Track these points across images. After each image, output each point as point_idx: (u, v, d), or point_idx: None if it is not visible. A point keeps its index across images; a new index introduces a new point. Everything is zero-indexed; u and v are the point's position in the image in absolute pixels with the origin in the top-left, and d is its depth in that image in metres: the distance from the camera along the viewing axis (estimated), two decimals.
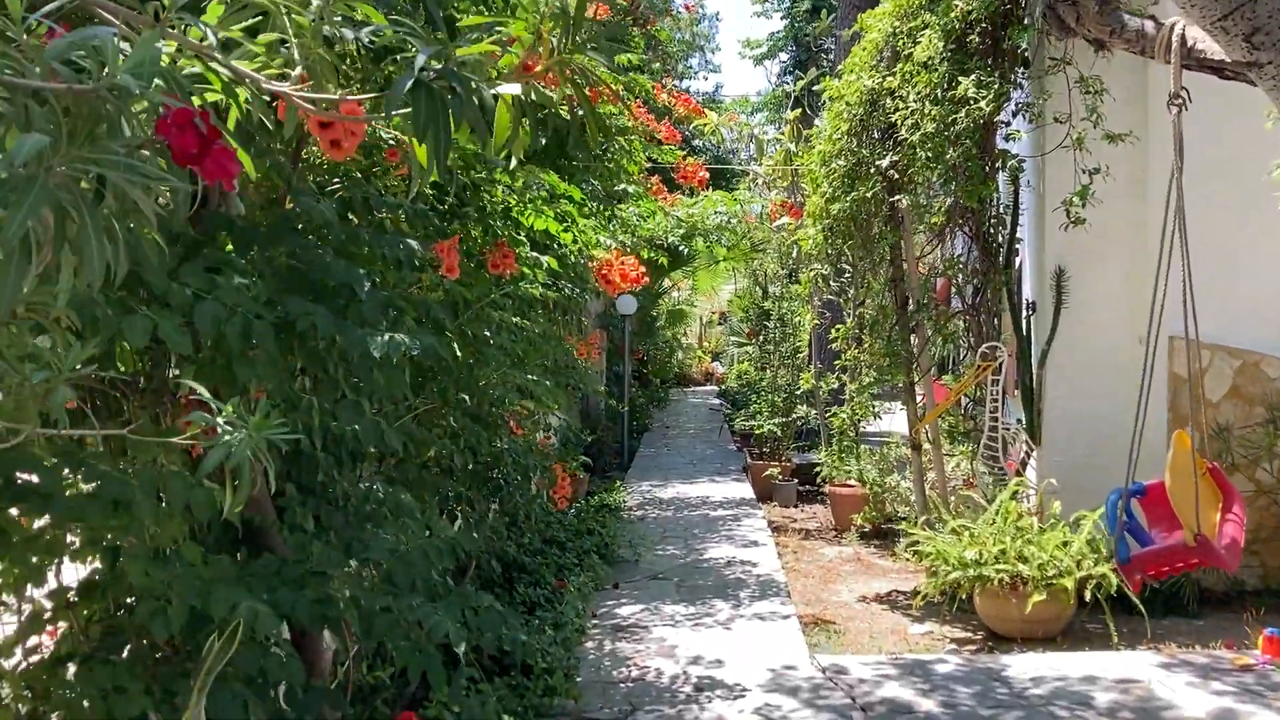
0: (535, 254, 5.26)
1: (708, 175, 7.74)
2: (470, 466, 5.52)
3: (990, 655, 5.41)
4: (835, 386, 10.42)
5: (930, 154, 6.33)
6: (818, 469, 9.59)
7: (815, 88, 8.67)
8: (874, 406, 8.04)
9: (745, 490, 10.77)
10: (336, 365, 3.16)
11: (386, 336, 2.89)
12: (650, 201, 7.32)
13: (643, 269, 5.03)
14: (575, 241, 5.33)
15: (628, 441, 12.93)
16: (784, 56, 23.05)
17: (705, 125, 10.07)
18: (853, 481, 8.97)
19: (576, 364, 8.55)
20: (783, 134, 9.54)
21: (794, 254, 9.27)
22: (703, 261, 19.78)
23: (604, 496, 9.51)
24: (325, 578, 2.92)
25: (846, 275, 8.11)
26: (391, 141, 3.90)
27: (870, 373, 7.51)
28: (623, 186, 6.65)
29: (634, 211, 8.72)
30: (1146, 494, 4.23)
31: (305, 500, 3.50)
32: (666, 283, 20.25)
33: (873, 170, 6.87)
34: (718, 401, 20.39)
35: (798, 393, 10.88)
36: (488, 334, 5.03)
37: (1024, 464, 6.85)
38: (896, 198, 6.76)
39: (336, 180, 4.15)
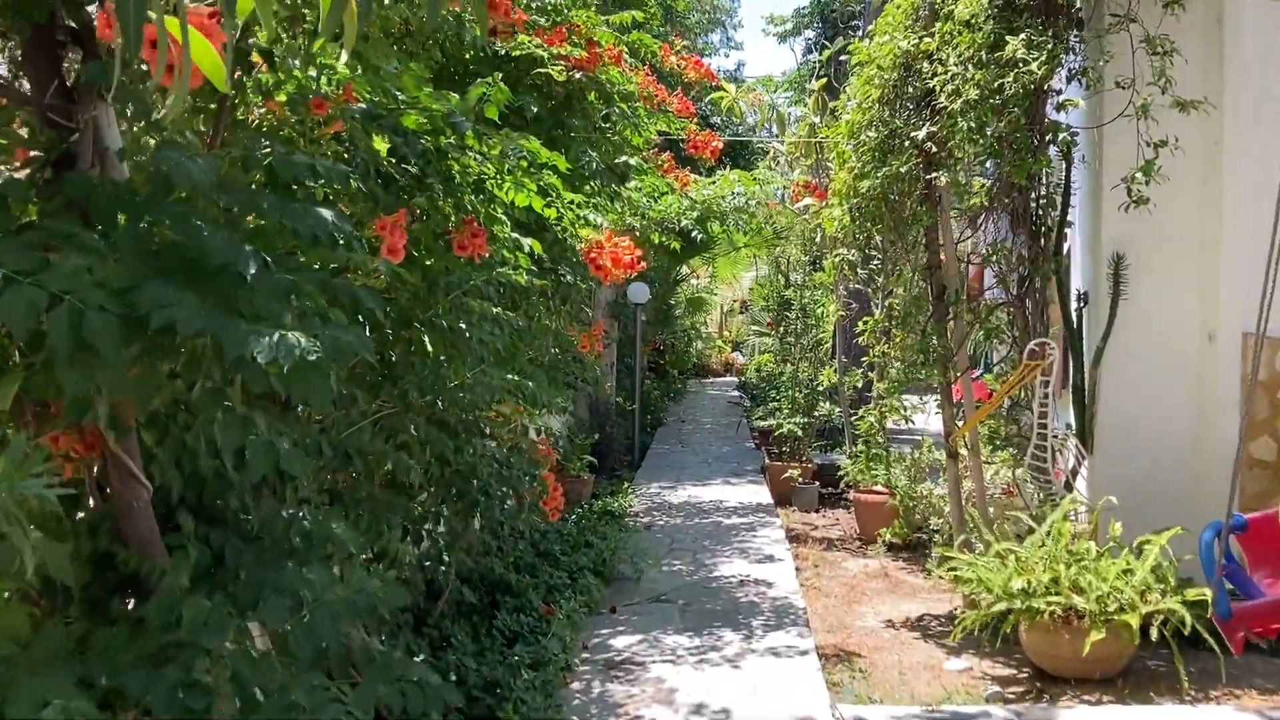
0: (517, 235, 4.55)
1: (721, 145, 6.97)
2: (443, 477, 4.84)
3: (1043, 707, 4.66)
4: (860, 383, 9.68)
5: (973, 124, 5.56)
6: (841, 472, 8.85)
7: (843, 57, 7.91)
8: (904, 407, 7.27)
9: (762, 494, 10.04)
10: (223, 371, 2.47)
11: (276, 335, 2.18)
12: (655, 177, 6.58)
13: (639, 252, 4.31)
14: (560, 219, 4.61)
15: (639, 438, 12.23)
16: (810, 34, 22.14)
17: (722, 99, 9.32)
18: (880, 488, 8.23)
19: (580, 358, 7.88)
20: (806, 107, 8.75)
21: (818, 238, 8.50)
22: (722, 248, 19.05)
23: (609, 501, 8.80)
24: (196, 651, 2.23)
25: (875, 262, 7.34)
26: (318, 89, 3.19)
27: (901, 369, 6.74)
28: (625, 159, 5.92)
29: (638, 189, 8.00)
30: (1248, 529, 3.47)
31: (208, 535, 2.81)
32: (685, 270, 19.52)
33: (907, 143, 6.10)
34: (737, 394, 19.65)
35: (820, 389, 10.13)
36: (464, 327, 4.34)
37: (1073, 474, 6.10)
38: (934, 174, 5.98)
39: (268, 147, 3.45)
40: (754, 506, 9.32)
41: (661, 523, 8.49)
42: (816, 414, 10.08)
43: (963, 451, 6.50)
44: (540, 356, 6.39)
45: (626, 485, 10.01)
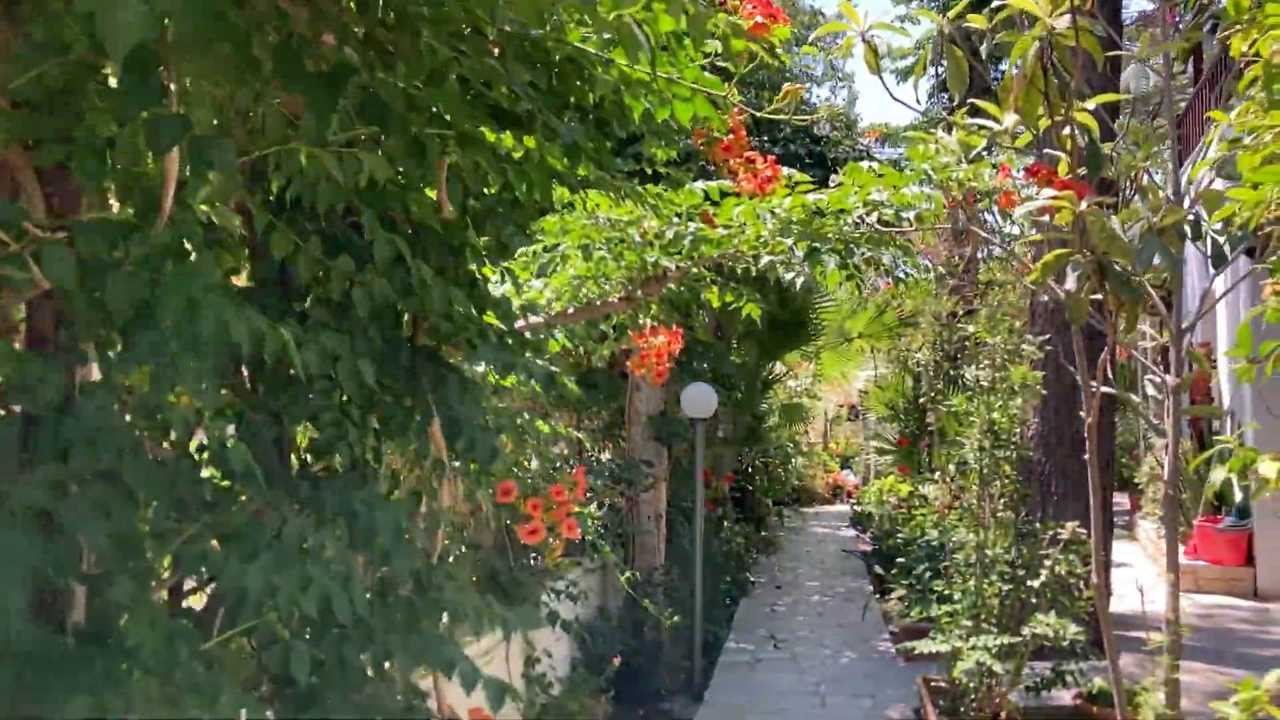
0: None
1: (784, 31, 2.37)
2: None
3: None
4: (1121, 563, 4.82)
5: None
6: None
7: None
8: None
9: None
10: None
11: None
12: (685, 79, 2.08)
13: None
14: None
15: (704, 632, 7.45)
16: (938, 70, 17.70)
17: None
18: None
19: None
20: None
21: (1053, 284, 3.86)
22: (829, 338, 14.40)
23: None
24: None
25: None
26: None
27: None
28: None
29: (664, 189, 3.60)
30: None
31: None
32: (779, 367, 14.94)
33: None
34: (851, 532, 14.69)
35: (1034, 583, 5.34)
36: None
37: None
38: None
39: None
40: None
41: None
42: (1030, 634, 5.23)
43: None
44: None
45: None
